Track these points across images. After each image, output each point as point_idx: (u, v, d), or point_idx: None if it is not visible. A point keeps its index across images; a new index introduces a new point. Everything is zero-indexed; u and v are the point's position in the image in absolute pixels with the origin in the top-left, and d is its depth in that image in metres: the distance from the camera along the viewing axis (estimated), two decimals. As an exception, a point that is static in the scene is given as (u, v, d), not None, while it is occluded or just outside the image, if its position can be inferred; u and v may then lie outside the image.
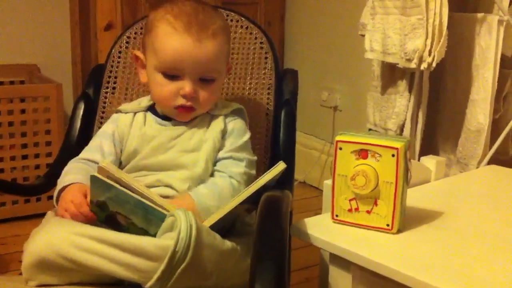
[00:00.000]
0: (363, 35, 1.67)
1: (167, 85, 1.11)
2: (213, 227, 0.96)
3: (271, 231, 0.87)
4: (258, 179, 1.01)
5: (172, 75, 1.11)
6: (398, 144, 0.98)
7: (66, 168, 1.14)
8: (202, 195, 1.07)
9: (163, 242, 0.89)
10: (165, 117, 1.17)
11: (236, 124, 1.19)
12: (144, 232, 0.97)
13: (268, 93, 1.40)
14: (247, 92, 1.40)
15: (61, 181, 1.09)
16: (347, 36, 2.37)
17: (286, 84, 1.42)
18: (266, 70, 1.41)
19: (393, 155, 0.98)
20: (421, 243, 0.98)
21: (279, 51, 2.72)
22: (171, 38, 1.08)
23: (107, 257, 0.89)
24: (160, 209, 0.95)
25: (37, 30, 2.54)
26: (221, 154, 1.15)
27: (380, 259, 0.92)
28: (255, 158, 1.20)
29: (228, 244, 0.96)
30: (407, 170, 1.00)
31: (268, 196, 0.96)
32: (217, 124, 1.17)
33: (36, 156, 2.23)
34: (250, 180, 1.12)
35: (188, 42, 1.08)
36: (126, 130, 1.17)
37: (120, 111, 1.21)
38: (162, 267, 0.88)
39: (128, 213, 0.96)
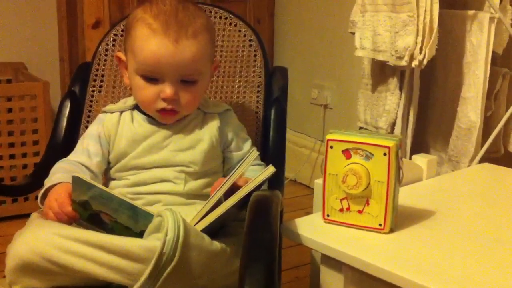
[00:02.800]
0: (353, 33, 1.66)
1: (147, 88, 1.08)
2: (203, 230, 0.94)
3: (261, 233, 0.85)
4: (248, 183, 0.98)
5: (152, 78, 1.08)
6: (389, 143, 0.96)
7: (53, 168, 1.12)
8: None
9: (149, 243, 0.87)
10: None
11: (233, 122, 1.19)
12: (129, 231, 0.95)
13: (258, 92, 1.38)
14: (236, 91, 1.38)
15: (48, 181, 1.07)
16: (337, 34, 2.35)
17: (275, 82, 1.40)
18: (256, 68, 1.39)
19: (384, 154, 0.96)
20: (414, 243, 0.96)
21: (269, 48, 2.69)
22: (149, 40, 1.05)
23: (92, 259, 0.87)
24: (146, 209, 0.93)
25: (23, 28, 2.50)
26: (241, 154, 1.16)
27: (372, 259, 0.90)
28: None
29: (217, 245, 0.93)
30: (399, 169, 0.98)
31: (257, 196, 0.94)
32: (213, 122, 1.15)
33: (24, 155, 2.19)
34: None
35: (165, 44, 1.04)
36: (113, 130, 1.14)
37: (105, 112, 1.19)
38: (149, 269, 0.86)
39: (112, 212, 0.94)
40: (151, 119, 1.14)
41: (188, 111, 1.13)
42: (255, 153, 1.00)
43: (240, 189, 0.96)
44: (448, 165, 1.50)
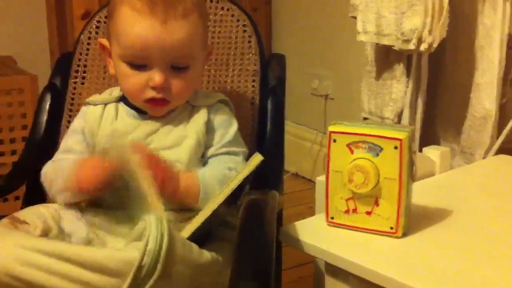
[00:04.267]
0: (354, 17, 1.52)
1: (134, 76, 0.95)
2: (190, 237, 0.81)
3: (254, 246, 0.72)
4: (236, 175, 0.86)
5: (138, 65, 0.95)
6: (401, 135, 0.83)
7: (49, 169, 1.00)
8: (204, 173, 0.95)
9: (127, 255, 0.74)
10: (140, 109, 1.01)
11: (222, 115, 1.04)
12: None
13: (253, 81, 1.25)
14: (230, 80, 1.26)
15: (58, 174, 0.96)
16: (338, 20, 2.24)
17: (272, 70, 1.28)
18: (250, 55, 1.26)
19: (395, 148, 0.83)
20: (430, 248, 0.84)
21: (266, 37, 2.59)
22: (134, 22, 0.92)
23: (60, 274, 0.74)
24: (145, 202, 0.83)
25: (11, 20, 2.39)
26: (214, 150, 1.01)
27: (384, 269, 0.77)
28: (247, 149, 1.05)
29: (207, 256, 0.81)
30: (412, 164, 0.85)
31: (250, 201, 0.80)
32: (200, 116, 1.01)
33: (13, 152, 2.07)
34: None
35: (153, 25, 0.91)
36: (96, 125, 1.01)
37: (89, 103, 1.06)
38: (125, 285, 0.73)
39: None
40: (136, 113, 1.01)
41: (180, 101, 1.00)
42: (258, 157, 0.87)
43: (226, 184, 0.84)
44: (460, 157, 1.37)
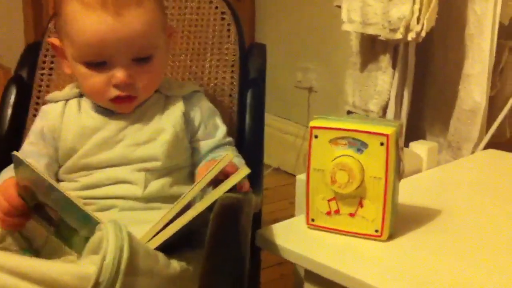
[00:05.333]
0: (339, 6, 1.44)
1: (93, 76, 0.86)
2: (159, 247, 0.73)
3: (224, 257, 0.63)
4: (216, 189, 0.77)
5: (97, 63, 0.86)
6: (388, 130, 0.75)
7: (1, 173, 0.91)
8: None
9: (82, 270, 0.65)
10: None
11: (204, 104, 0.98)
12: (76, 234, 0.76)
13: (232, 71, 1.17)
14: (207, 71, 1.17)
15: None
16: (323, 10, 2.18)
17: (252, 60, 1.20)
18: (229, 44, 1.18)
19: (382, 144, 0.75)
20: (418, 252, 0.76)
21: (249, 29, 2.52)
22: (84, 19, 0.83)
23: None
24: (90, 212, 0.73)
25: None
26: (217, 142, 0.96)
27: (368, 276, 0.70)
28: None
29: (175, 266, 0.72)
30: (399, 161, 0.77)
31: (223, 207, 0.71)
32: (177, 108, 0.93)
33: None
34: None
35: (105, 19, 0.82)
36: (57, 124, 0.92)
37: (48, 101, 0.97)
38: None
39: (55, 206, 0.76)
40: (102, 108, 0.92)
41: (147, 94, 0.91)
42: (245, 171, 0.78)
43: (205, 197, 0.75)
44: (447, 152, 1.29)
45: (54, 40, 0.93)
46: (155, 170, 0.89)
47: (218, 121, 0.99)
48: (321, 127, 0.78)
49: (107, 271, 0.64)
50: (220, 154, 0.93)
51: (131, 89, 0.88)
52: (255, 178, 1.06)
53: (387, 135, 0.75)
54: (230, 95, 1.15)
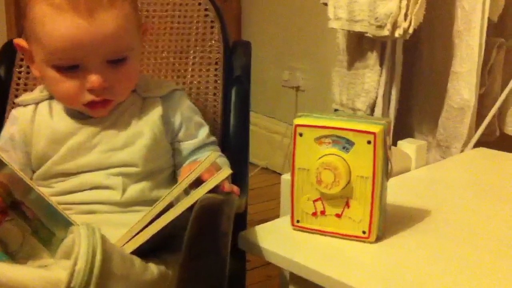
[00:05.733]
0: (325, 4, 1.41)
1: (64, 81, 0.82)
2: (135, 251, 0.69)
3: (202, 263, 0.59)
4: (199, 188, 0.74)
5: (68, 67, 0.81)
6: (375, 128, 0.72)
7: None
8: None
9: (52, 275, 0.62)
10: None
11: (184, 104, 0.94)
12: (52, 235, 0.74)
13: (216, 69, 1.14)
14: (190, 69, 1.14)
15: None
16: (310, 9, 2.15)
17: (236, 58, 1.17)
18: (213, 42, 1.15)
19: (369, 142, 0.72)
20: (407, 254, 0.73)
21: (236, 27, 2.49)
22: (54, 22, 0.78)
23: None
24: (65, 213, 0.70)
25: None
26: (190, 146, 0.92)
27: (356, 280, 0.67)
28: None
29: (152, 271, 0.68)
30: (387, 160, 0.74)
31: (202, 209, 0.68)
32: (154, 110, 0.88)
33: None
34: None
35: (77, 22, 0.78)
36: (28, 129, 0.87)
37: (18, 105, 0.92)
38: None
39: (33, 206, 0.73)
40: (75, 110, 0.87)
41: (124, 97, 0.87)
42: (226, 172, 0.74)
43: (185, 198, 0.72)
44: (436, 151, 1.27)
45: (21, 42, 0.88)
46: (134, 175, 0.85)
47: (200, 120, 0.96)
48: (306, 125, 0.75)
49: (78, 276, 0.61)
50: (203, 155, 0.90)
51: (107, 93, 0.83)
52: (240, 178, 1.04)
53: (374, 133, 0.72)
54: (214, 94, 1.11)
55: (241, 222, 1.00)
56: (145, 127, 0.86)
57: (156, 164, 0.87)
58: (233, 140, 1.10)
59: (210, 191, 0.73)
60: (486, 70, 1.23)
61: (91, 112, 0.85)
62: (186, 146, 0.92)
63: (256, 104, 2.58)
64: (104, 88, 0.82)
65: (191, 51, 1.14)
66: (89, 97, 0.82)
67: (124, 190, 0.83)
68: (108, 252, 0.63)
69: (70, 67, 0.81)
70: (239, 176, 1.05)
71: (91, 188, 0.84)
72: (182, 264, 0.60)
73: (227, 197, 0.72)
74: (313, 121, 0.75)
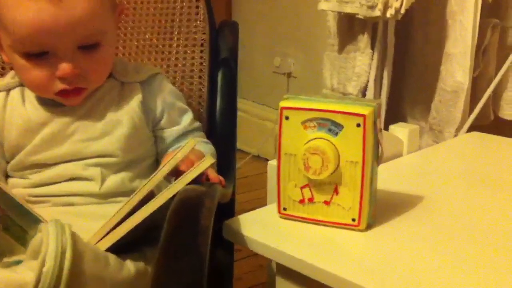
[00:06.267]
0: (316, -14, 1.36)
1: (33, 69, 0.76)
2: (111, 247, 0.65)
3: (179, 262, 0.55)
4: (180, 178, 0.69)
5: (37, 54, 0.75)
6: (364, 110, 0.68)
7: None
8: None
9: (18, 278, 0.57)
10: None
11: (166, 88, 0.88)
12: (24, 233, 0.68)
13: (201, 51, 1.09)
14: (174, 51, 1.09)
15: None
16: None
17: (223, 39, 1.11)
18: (198, 22, 1.10)
19: (358, 125, 0.68)
20: (399, 242, 0.69)
21: (226, 13, 2.44)
22: (20, 6, 0.73)
23: None
24: (33, 211, 0.65)
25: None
26: (173, 133, 0.86)
27: (345, 270, 0.63)
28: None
29: (129, 269, 0.64)
30: (377, 144, 0.70)
31: (182, 201, 0.62)
32: (134, 96, 0.83)
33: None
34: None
35: (44, 6, 0.72)
36: (0, 118, 0.82)
37: None
38: None
39: (1, 203, 0.68)
40: (48, 98, 0.81)
41: (98, 83, 0.81)
42: (209, 161, 0.70)
43: (164, 190, 0.67)
44: (429, 136, 1.23)
45: None
46: (113, 165, 0.80)
47: (183, 106, 0.90)
48: (292, 108, 0.70)
49: (46, 278, 0.56)
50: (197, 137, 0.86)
51: (79, 80, 0.77)
52: (227, 166, 0.99)
53: (364, 116, 0.67)
54: (200, 77, 1.06)
55: (229, 211, 0.96)
56: (124, 115, 0.81)
57: (136, 154, 0.82)
58: (219, 126, 1.05)
59: (192, 182, 0.68)
60: (480, 52, 1.18)
61: (63, 101, 0.80)
62: (169, 133, 0.86)
63: (247, 91, 2.54)
64: (76, 76, 0.76)
65: (175, 32, 1.09)
66: (60, 85, 0.77)
67: (102, 181, 0.78)
68: (79, 251, 0.58)
69: (39, 54, 0.75)
70: (226, 163, 1.01)
71: (68, 180, 0.79)
72: (158, 262, 0.55)
73: (208, 189, 0.67)
74: (299, 104, 0.71)
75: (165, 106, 0.86)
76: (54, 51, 0.75)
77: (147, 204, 0.64)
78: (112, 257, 0.63)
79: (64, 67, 0.75)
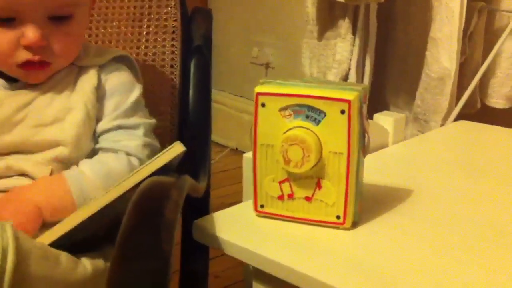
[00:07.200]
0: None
1: None
2: (66, 239, 0.57)
3: (139, 262, 0.47)
4: (145, 165, 0.61)
5: (4, 19, 0.68)
6: (349, 95, 0.60)
7: None
8: (81, 175, 0.68)
9: None
10: (8, 76, 0.74)
11: (117, 77, 0.77)
12: None
13: (173, 39, 1.01)
14: (144, 38, 1.01)
15: None
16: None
17: (196, 26, 1.04)
18: (169, 8, 1.02)
19: (342, 112, 0.60)
20: (388, 241, 0.62)
21: (202, 2, 2.36)
22: None
23: None
24: None
25: None
26: (104, 125, 0.74)
27: (329, 274, 0.55)
28: (153, 121, 0.79)
29: (85, 267, 0.56)
30: (363, 133, 0.63)
31: (143, 193, 0.54)
32: (88, 81, 0.75)
33: None
34: (154, 153, 0.72)
35: None
36: None
37: None
38: None
39: None
40: (4, 82, 0.73)
41: (65, 61, 0.74)
42: (178, 148, 0.62)
43: (125, 178, 0.59)
44: (413, 126, 1.16)
45: None
46: (65, 160, 0.72)
47: (125, 100, 0.77)
48: (269, 93, 0.63)
49: None
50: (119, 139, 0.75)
51: (45, 53, 0.70)
52: (201, 159, 0.92)
53: (348, 101, 0.60)
54: (172, 66, 0.98)
55: (203, 208, 0.89)
56: (78, 101, 0.73)
57: (86, 146, 0.73)
58: (193, 116, 0.98)
59: (157, 172, 0.61)
60: (466, 36, 1.12)
61: (24, 75, 0.72)
62: (98, 130, 0.75)
63: (224, 82, 2.47)
64: (43, 47, 0.70)
65: (145, 19, 1.01)
66: (24, 55, 0.69)
67: (52, 174, 0.70)
68: (24, 251, 0.50)
69: (5, 19, 0.68)
70: (199, 156, 0.94)
71: (14, 175, 0.70)
72: (114, 261, 0.47)
73: (176, 180, 0.59)
74: (277, 89, 0.63)
75: (104, 94, 0.76)
76: (22, 18, 0.68)
77: (102, 196, 0.56)
78: (64, 256, 0.55)
79: (31, 35, 0.68)
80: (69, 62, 0.75)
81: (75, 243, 0.59)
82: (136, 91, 0.78)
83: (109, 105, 0.75)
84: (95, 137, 0.74)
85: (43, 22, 0.69)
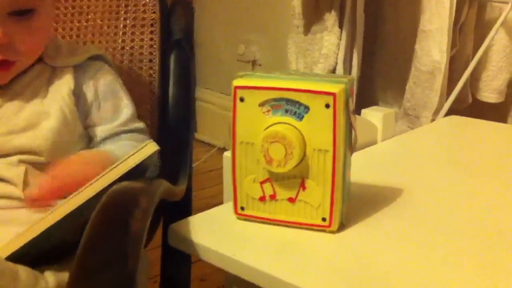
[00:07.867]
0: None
1: None
2: (31, 248, 0.52)
3: (102, 276, 0.42)
4: (112, 168, 0.56)
5: None
6: (334, 88, 0.56)
7: None
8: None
9: None
10: None
11: (103, 79, 0.73)
12: None
13: (152, 32, 0.96)
14: (121, 32, 0.96)
15: None
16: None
17: (176, 19, 0.99)
18: (147, 0, 0.97)
19: (327, 106, 0.56)
20: (377, 245, 0.57)
21: None
22: None
23: None
24: None
25: None
26: (102, 132, 0.71)
27: (315, 284, 0.51)
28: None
29: (48, 282, 0.52)
30: (350, 129, 0.58)
31: (104, 204, 0.49)
32: (64, 84, 0.70)
33: None
34: None
35: None
36: None
37: None
38: None
39: None
40: None
41: (29, 60, 0.68)
42: (151, 147, 0.58)
43: (95, 179, 0.54)
44: (403, 121, 1.12)
45: None
46: (39, 165, 0.66)
47: (122, 99, 0.75)
48: (248, 87, 0.58)
49: None
50: (116, 145, 0.71)
51: (8, 51, 0.65)
52: (181, 160, 0.87)
53: (333, 94, 0.55)
54: (150, 60, 0.94)
55: (184, 210, 0.84)
56: (53, 105, 0.68)
57: (66, 153, 0.68)
58: (173, 114, 0.93)
59: (129, 173, 0.55)
60: (457, 29, 1.08)
61: None
62: (99, 131, 0.72)
63: (211, 80, 2.43)
64: (4, 45, 0.64)
65: (122, 12, 0.96)
66: None
67: (26, 184, 0.65)
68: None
69: None
70: (180, 157, 0.89)
71: None
72: (72, 277, 0.42)
73: (147, 185, 0.54)
74: (256, 82, 0.58)
75: (96, 98, 0.72)
76: None
77: (63, 203, 0.51)
78: (23, 270, 0.50)
79: None
80: (34, 60, 0.69)
81: (43, 253, 0.53)
82: (123, 92, 0.75)
83: (107, 107, 0.72)
84: (96, 141, 0.71)
85: (3, 18, 0.64)
